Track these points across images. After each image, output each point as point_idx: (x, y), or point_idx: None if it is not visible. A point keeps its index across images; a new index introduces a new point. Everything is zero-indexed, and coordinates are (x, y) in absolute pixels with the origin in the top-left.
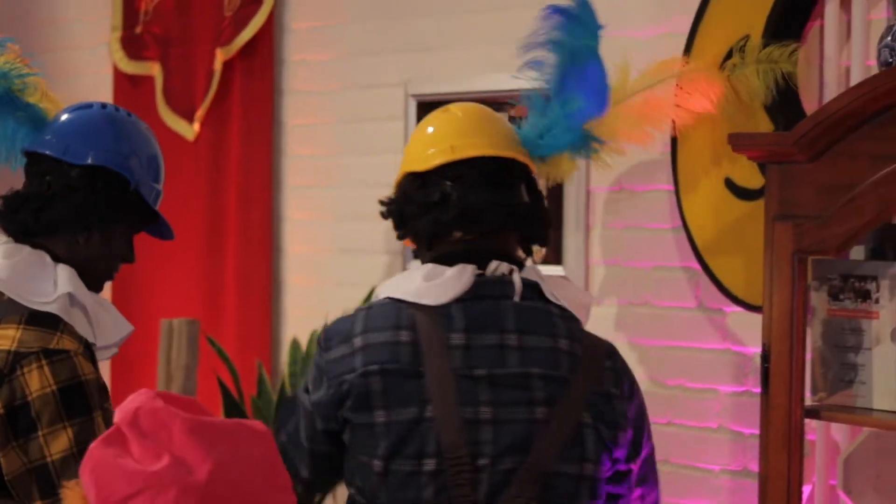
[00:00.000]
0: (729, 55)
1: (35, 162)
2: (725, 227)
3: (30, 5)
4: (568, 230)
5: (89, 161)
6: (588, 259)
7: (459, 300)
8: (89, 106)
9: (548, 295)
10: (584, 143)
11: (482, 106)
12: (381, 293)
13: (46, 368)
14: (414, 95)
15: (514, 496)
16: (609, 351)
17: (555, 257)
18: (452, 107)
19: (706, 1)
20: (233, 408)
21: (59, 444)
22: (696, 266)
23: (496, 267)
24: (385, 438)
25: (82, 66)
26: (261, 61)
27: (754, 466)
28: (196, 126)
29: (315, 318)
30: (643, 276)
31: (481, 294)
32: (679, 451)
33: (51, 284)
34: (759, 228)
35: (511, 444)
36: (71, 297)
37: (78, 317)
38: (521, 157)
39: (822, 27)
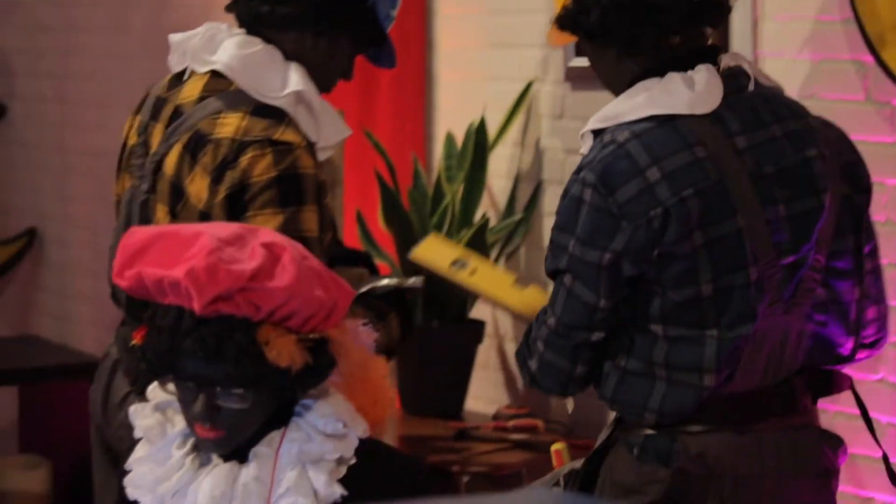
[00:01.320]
0: None
1: None
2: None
3: None
4: (734, 21)
5: None
6: (756, 51)
7: (721, 103)
8: None
9: (759, 78)
10: None
11: None
12: (629, 115)
13: (269, 156)
14: None
15: (807, 289)
16: (827, 121)
17: (722, 46)
18: None
19: None
20: (389, 199)
21: (267, 228)
22: (867, 58)
23: (725, 61)
24: (709, 259)
25: None
26: None
27: None
28: None
29: (469, 112)
30: (810, 69)
31: (727, 92)
32: None
33: (280, 80)
34: None
35: (806, 239)
36: (298, 95)
37: (303, 115)
38: None
39: None
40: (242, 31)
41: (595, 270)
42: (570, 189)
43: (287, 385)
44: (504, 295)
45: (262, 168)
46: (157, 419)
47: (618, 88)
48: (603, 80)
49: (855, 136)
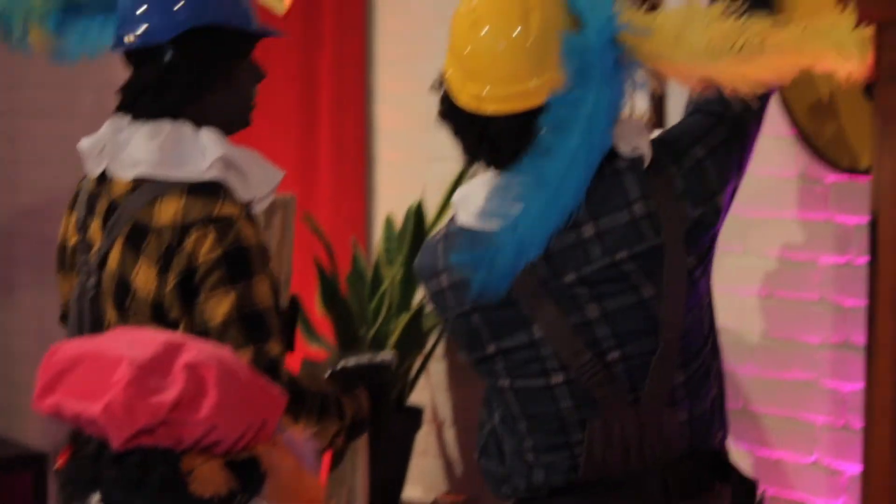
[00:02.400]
0: None
1: (130, 57)
2: (823, 92)
3: None
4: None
5: (177, 32)
6: None
7: None
8: None
9: (622, 151)
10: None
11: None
12: (456, 209)
13: (212, 235)
14: None
15: (658, 378)
16: (673, 156)
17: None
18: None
19: None
20: (327, 286)
21: (221, 309)
22: (793, 133)
23: None
24: (505, 365)
25: None
26: None
27: (856, 338)
28: (287, 0)
29: (409, 194)
30: None
31: None
32: (778, 325)
33: (199, 153)
34: (860, 92)
35: (634, 329)
36: (223, 160)
37: (234, 178)
38: (548, 86)
39: None
40: (147, 121)
41: None
42: None
43: None
44: None
45: (207, 248)
46: None
47: None
48: None
49: (787, 214)
